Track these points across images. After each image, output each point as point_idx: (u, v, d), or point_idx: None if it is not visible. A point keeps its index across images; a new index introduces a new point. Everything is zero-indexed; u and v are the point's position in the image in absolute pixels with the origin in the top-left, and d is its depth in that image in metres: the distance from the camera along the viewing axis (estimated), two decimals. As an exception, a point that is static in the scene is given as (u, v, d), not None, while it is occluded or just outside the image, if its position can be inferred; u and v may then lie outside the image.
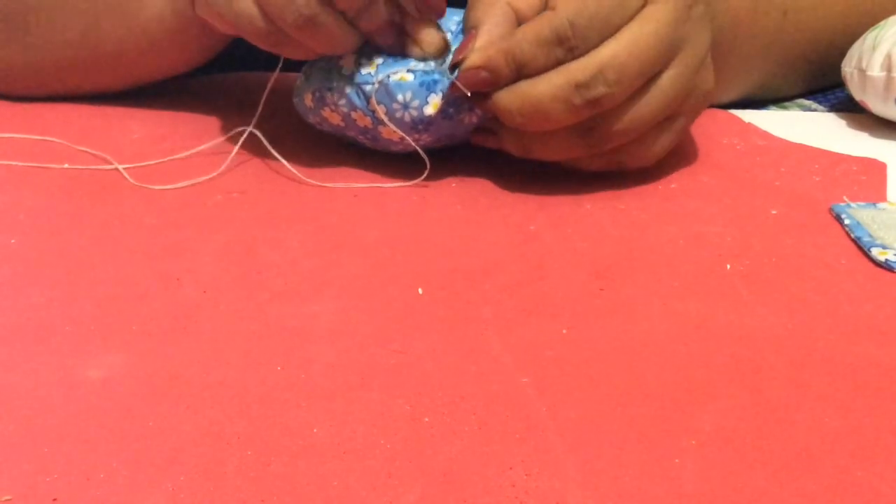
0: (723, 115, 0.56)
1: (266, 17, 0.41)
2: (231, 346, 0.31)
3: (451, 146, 0.45)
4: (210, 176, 0.45)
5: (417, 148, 0.43)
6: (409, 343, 0.31)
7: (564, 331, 0.32)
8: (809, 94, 0.62)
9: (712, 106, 0.57)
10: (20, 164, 0.47)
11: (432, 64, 0.42)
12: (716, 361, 0.30)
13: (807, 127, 0.55)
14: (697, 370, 0.29)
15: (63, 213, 0.42)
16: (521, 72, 0.40)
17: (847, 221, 0.39)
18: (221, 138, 0.48)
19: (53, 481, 0.24)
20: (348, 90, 0.43)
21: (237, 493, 0.24)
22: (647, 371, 0.29)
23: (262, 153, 0.46)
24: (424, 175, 0.43)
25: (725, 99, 0.58)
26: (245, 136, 0.45)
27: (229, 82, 0.63)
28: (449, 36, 0.43)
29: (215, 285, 0.35)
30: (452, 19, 0.44)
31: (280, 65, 0.45)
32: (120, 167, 0.46)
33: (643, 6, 0.40)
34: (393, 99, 0.42)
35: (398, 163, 0.46)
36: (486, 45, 0.40)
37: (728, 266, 0.36)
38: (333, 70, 0.43)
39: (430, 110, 0.42)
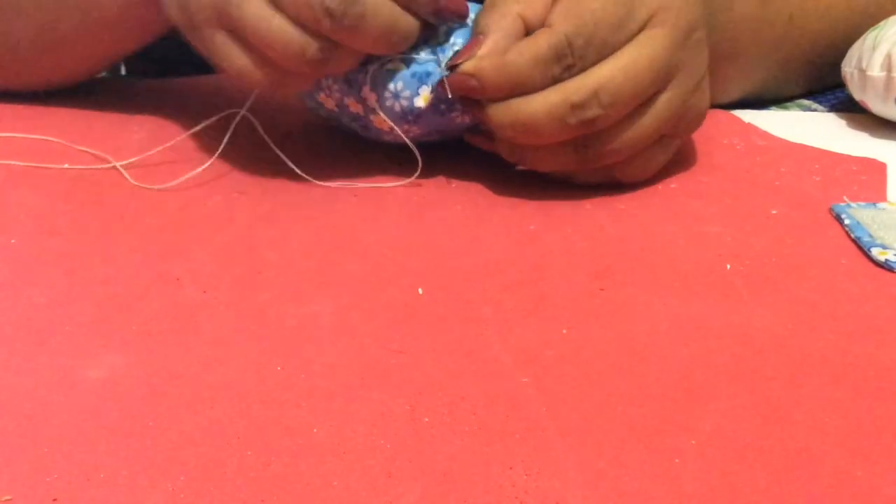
0: (723, 115, 0.56)
1: (302, 29, 0.38)
2: (231, 346, 0.31)
3: (446, 141, 0.45)
4: (208, 164, 0.44)
5: (407, 140, 0.43)
6: (409, 343, 0.31)
7: (564, 331, 0.32)
8: (809, 94, 0.62)
9: (712, 106, 0.57)
10: (20, 164, 0.47)
11: (427, 55, 0.41)
12: (716, 361, 0.30)
13: (807, 127, 0.55)
14: (697, 370, 0.29)
15: (63, 213, 0.42)
16: (517, 88, 0.39)
17: (847, 221, 0.39)
18: (213, 118, 0.47)
19: (53, 481, 0.24)
20: (343, 75, 0.42)
21: (237, 493, 0.24)
22: (647, 371, 0.29)
23: (262, 153, 0.46)
24: (418, 172, 0.43)
25: (726, 99, 0.58)
26: (238, 118, 0.45)
27: (230, 82, 0.63)
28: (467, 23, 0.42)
29: (215, 285, 0.35)
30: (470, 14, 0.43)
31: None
32: (120, 167, 0.46)
33: (642, 29, 0.40)
34: (385, 87, 0.41)
35: (398, 163, 0.46)
36: (485, 55, 0.39)
37: (728, 266, 0.36)
38: None
39: (420, 102, 0.41)
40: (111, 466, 0.25)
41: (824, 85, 0.62)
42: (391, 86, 0.41)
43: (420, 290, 0.35)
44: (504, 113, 0.40)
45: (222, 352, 0.30)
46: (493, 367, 0.30)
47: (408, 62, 0.41)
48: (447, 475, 0.25)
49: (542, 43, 0.39)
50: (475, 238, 0.39)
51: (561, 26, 0.39)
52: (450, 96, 0.40)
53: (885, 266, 0.36)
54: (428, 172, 0.44)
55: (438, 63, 0.41)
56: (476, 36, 0.41)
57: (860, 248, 0.38)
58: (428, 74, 0.41)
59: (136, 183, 0.45)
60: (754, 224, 0.40)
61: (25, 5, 0.53)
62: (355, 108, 0.43)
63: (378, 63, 0.41)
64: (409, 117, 0.42)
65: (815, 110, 0.59)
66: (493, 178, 0.45)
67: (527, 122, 0.39)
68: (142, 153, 0.48)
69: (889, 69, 0.51)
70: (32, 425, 0.27)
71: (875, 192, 0.44)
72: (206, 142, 0.48)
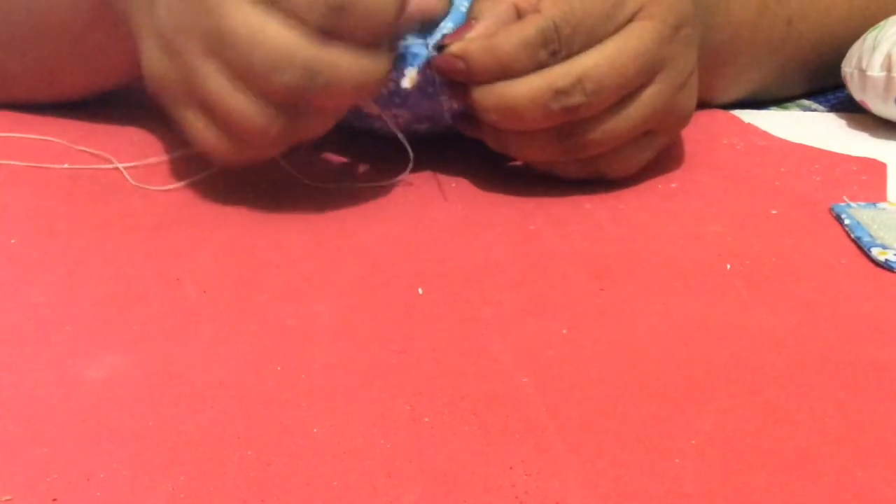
0: (723, 115, 0.56)
1: (267, 103, 0.37)
2: (231, 346, 0.31)
3: (444, 141, 0.45)
4: (210, 171, 0.45)
5: (395, 129, 0.42)
6: (409, 343, 0.31)
7: (564, 331, 0.32)
8: (809, 94, 0.62)
9: (712, 106, 0.57)
10: (20, 164, 0.47)
11: (416, 38, 0.41)
12: (716, 361, 0.30)
13: (807, 127, 0.55)
14: (697, 370, 0.29)
15: (63, 213, 0.42)
16: (503, 71, 0.39)
17: (847, 221, 0.39)
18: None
19: (53, 481, 0.24)
20: None
21: (237, 493, 0.24)
22: (647, 371, 0.29)
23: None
24: (410, 165, 0.43)
25: (725, 100, 0.58)
26: None
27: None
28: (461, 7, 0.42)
29: (215, 285, 0.35)
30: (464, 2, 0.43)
31: None
32: (120, 166, 0.46)
33: (630, 21, 0.40)
34: None
35: (395, 162, 0.46)
36: (473, 38, 0.40)
37: (728, 266, 0.36)
38: None
39: (406, 83, 0.41)
40: (111, 466, 0.25)
41: (824, 86, 0.62)
42: None
43: (420, 290, 0.35)
44: (488, 96, 0.40)
45: (222, 352, 0.30)
46: (493, 367, 0.30)
47: None
48: (447, 475, 0.25)
49: (529, 27, 0.39)
50: (475, 238, 0.39)
51: (549, 11, 0.39)
52: (435, 76, 0.40)
53: (885, 266, 0.36)
54: (428, 172, 0.44)
55: (426, 45, 0.41)
56: (469, 21, 0.41)
57: (860, 248, 0.38)
58: (414, 56, 0.41)
59: (136, 183, 0.45)
60: (754, 224, 0.40)
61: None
62: None
63: None
64: (397, 100, 0.42)
65: (815, 110, 0.59)
66: (492, 177, 0.45)
67: (510, 106, 0.40)
68: (142, 154, 0.48)
69: (889, 69, 0.51)
70: (32, 425, 0.27)
71: (875, 192, 0.44)
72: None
